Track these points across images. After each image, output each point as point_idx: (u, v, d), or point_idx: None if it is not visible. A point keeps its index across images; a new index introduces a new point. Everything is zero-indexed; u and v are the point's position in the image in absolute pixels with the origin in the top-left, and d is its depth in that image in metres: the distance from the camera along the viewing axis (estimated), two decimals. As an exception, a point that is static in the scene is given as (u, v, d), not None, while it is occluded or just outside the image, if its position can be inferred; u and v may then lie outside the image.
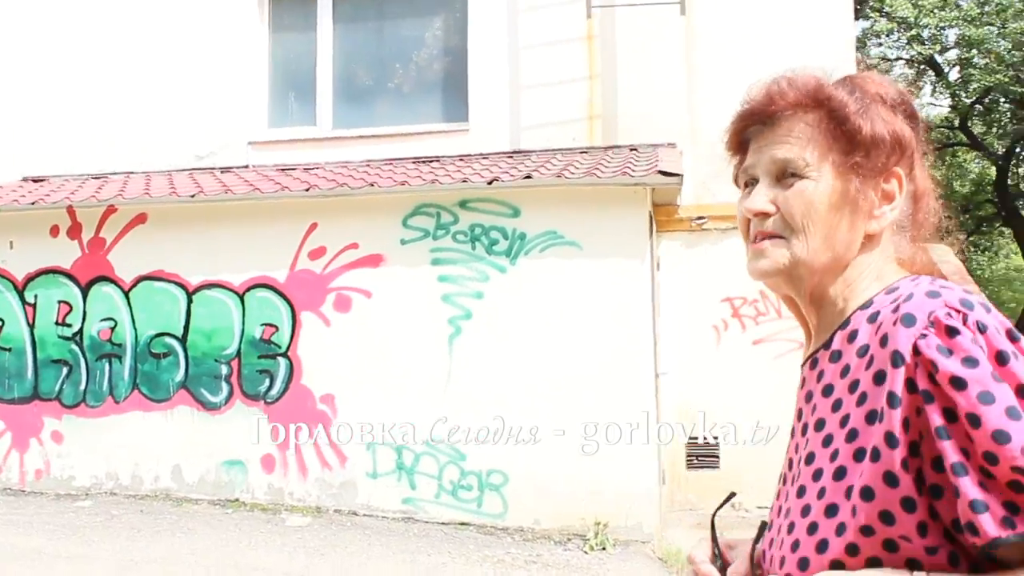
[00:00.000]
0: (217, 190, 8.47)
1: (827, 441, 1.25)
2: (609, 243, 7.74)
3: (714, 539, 1.47)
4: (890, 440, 1.13)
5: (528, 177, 7.74)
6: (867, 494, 1.14)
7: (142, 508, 8.32)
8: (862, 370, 1.23)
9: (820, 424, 1.29)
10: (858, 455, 1.18)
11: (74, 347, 8.78)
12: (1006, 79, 16.25)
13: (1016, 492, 1.06)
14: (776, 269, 1.32)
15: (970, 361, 1.09)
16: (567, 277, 7.78)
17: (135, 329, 8.67)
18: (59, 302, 8.82)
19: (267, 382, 8.35)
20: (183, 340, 8.54)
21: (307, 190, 8.08)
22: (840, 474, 1.20)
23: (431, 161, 9.72)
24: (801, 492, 1.28)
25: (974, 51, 16.88)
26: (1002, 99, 18.81)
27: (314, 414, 8.25)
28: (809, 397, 1.34)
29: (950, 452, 1.08)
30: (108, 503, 8.46)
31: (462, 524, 7.96)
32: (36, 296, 8.89)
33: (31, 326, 8.89)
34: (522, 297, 7.87)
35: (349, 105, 10.60)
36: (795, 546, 1.24)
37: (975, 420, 1.07)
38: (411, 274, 8.10)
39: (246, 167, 10.38)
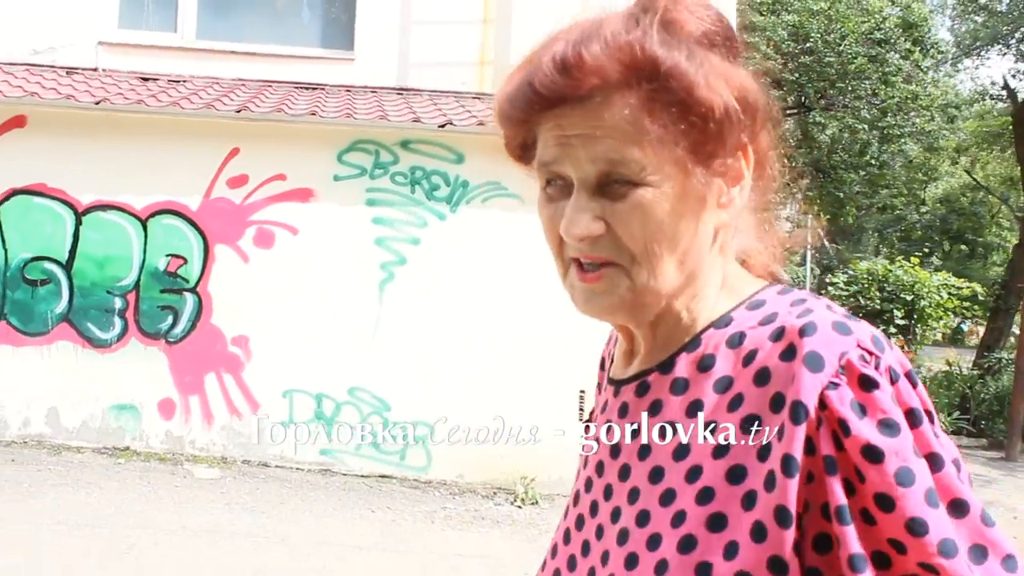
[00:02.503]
0: (101, 96, 7.42)
1: (666, 498, 0.96)
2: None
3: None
4: (781, 516, 0.87)
5: (482, 124, 7.51)
6: None
7: (13, 456, 7.25)
8: (723, 411, 0.95)
9: (657, 474, 0.98)
10: (714, 523, 0.91)
11: (-79, 266, 7.41)
12: (778, 66, 17.77)
13: None
14: (621, 305, 0.99)
15: (889, 426, 0.86)
16: (507, 230, 7.65)
17: (5, 250, 7.45)
18: (-99, 212, 7.40)
19: (170, 319, 7.52)
20: (67, 267, 7.46)
21: (238, 111, 7.32)
22: (688, 545, 0.92)
23: (314, 88, 9.10)
24: (631, 562, 0.96)
25: (757, 37, 18.27)
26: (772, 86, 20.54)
27: (224, 357, 7.56)
28: (636, 433, 1.03)
29: (851, 541, 0.86)
30: (-34, 450, 7.29)
31: (383, 477, 7.68)
32: None
33: None
34: (461, 247, 7.65)
35: (215, 15, 9.62)
36: None
37: (887, 503, 0.85)
38: (343, 213, 7.61)
39: (95, 70, 9.17)
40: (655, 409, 1.01)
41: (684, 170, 0.95)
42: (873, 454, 0.85)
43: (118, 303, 7.48)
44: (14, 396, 7.47)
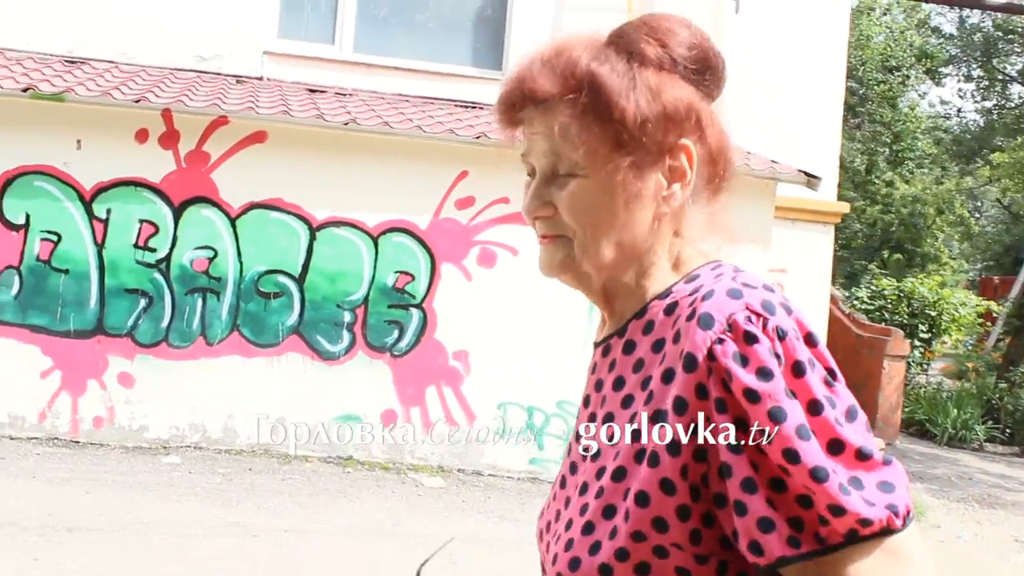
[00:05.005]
0: (311, 113, 7.61)
1: (612, 437, 1.16)
2: (740, 230, 8.22)
3: None
4: (672, 447, 1.05)
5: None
6: (642, 499, 1.07)
7: (249, 466, 7.40)
8: (656, 366, 1.12)
9: (608, 418, 1.19)
10: (639, 456, 1.09)
11: (157, 276, 7.44)
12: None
13: (803, 508, 1.00)
14: (564, 266, 1.20)
15: (764, 373, 1.01)
16: (705, 255, 8.14)
17: (240, 263, 7.56)
18: (140, 221, 7.41)
19: (396, 333, 7.77)
20: (300, 281, 7.63)
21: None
22: (619, 475, 1.11)
23: (473, 107, 9.41)
24: (583, 489, 1.17)
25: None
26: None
27: (445, 370, 7.85)
28: (599, 386, 1.24)
29: (740, 467, 1.01)
30: (202, 459, 7.38)
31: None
32: (109, 211, 7.38)
33: (99, 246, 7.37)
34: (664, 270, 8.10)
35: (372, 30, 9.82)
36: (569, 545, 1.15)
37: (768, 437, 1.00)
38: (559, 236, 7.97)
39: (260, 79, 9.28)
40: (612, 366, 1.21)
41: (612, 166, 1.15)
42: (752, 396, 1.00)
43: (347, 317, 7.69)
44: (244, 406, 7.59)
